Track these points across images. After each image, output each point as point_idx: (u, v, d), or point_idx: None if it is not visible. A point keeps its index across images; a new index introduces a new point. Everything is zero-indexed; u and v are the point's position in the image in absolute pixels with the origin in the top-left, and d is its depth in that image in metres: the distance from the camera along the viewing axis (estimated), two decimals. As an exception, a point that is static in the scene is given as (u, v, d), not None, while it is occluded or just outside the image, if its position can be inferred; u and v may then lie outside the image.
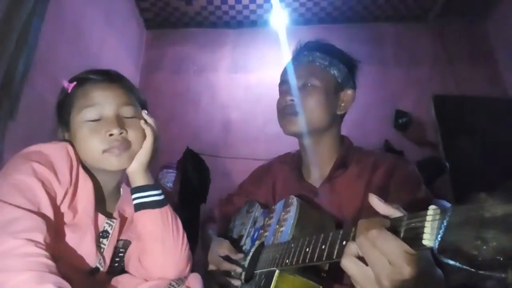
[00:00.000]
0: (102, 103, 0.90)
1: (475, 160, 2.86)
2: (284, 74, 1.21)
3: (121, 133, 0.88)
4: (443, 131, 3.10)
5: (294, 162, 1.24)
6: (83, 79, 0.94)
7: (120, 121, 0.89)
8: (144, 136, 0.94)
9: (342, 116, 1.20)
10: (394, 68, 3.52)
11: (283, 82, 1.19)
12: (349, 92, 1.17)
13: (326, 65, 1.15)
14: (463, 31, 3.57)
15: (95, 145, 0.87)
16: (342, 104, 1.16)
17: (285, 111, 1.14)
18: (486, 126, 2.95)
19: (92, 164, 0.91)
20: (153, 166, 1.00)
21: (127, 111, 0.92)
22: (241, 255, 1.07)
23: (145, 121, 0.95)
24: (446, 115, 3.15)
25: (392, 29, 3.65)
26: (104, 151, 0.87)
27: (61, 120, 0.95)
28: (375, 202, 0.61)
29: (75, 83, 0.94)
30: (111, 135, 0.87)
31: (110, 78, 0.95)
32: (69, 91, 0.93)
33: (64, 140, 0.95)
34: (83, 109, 0.89)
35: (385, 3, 3.46)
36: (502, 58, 3.41)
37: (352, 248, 0.60)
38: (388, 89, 3.44)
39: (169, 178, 2.90)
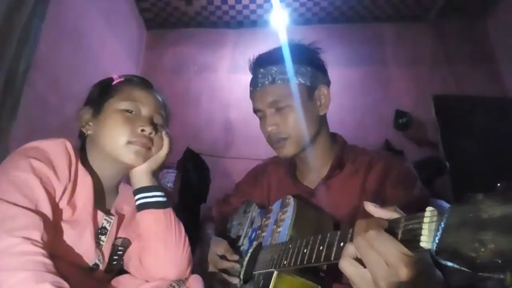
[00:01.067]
0: (143, 102, 0.97)
1: (475, 160, 2.86)
2: (253, 102, 1.15)
3: (151, 133, 0.93)
4: (443, 131, 3.10)
5: (288, 164, 1.23)
6: (129, 80, 1.02)
7: (153, 123, 0.96)
8: (162, 145, 0.99)
9: (325, 114, 1.15)
10: (394, 68, 3.52)
11: (256, 109, 1.13)
12: (322, 88, 1.11)
13: (288, 78, 1.06)
14: (463, 31, 3.57)
15: (123, 133, 0.91)
16: (322, 103, 1.11)
17: (271, 140, 1.10)
18: (486, 126, 2.95)
19: (110, 151, 0.92)
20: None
21: (159, 118, 0.99)
22: (236, 257, 1.07)
23: (167, 133, 1.01)
24: (446, 115, 3.14)
25: (392, 29, 3.65)
26: (128, 142, 0.91)
27: (95, 101, 0.98)
28: (371, 208, 0.61)
29: (123, 79, 1.01)
30: (143, 130, 0.92)
31: (152, 87, 1.04)
32: (114, 83, 1.00)
33: (82, 120, 0.98)
34: (124, 100, 0.95)
35: (385, 3, 3.46)
36: (502, 58, 3.41)
37: (350, 249, 0.60)
38: (388, 89, 3.44)
39: (169, 178, 2.90)
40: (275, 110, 1.07)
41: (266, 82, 1.08)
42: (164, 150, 0.99)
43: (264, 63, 1.10)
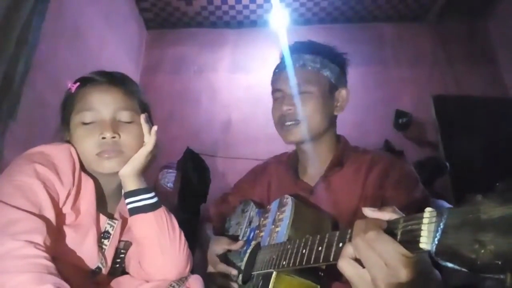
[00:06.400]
0: (98, 107, 0.90)
1: (475, 160, 2.86)
2: (275, 82, 1.17)
3: (113, 137, 0.88)
4: (443, 131, 3.11)
5: (291, 160, 1.23)
6: (85, 80, 0.95)
7: (114, 125, 0.89)
8: (140, 142, 0.93)
9: (336, 116, 1.18)
10: (394, 68, 3.52)
11: (276, 90, 1.16)
12: (343, 91, 1.15)
13: (318, 67, 1.11)
14: (463, 31, 3.57)
15: (89, 147, 0.88)
16: (338, 104, 1.14)
17: (283, 121, 1.11)
18: (486, 126, 2.95)
19: (87, 165, 0.91)
20: (153, 166, 1.00)
21: (124, 115, 0.92)
22: (241, 243, 1.07)
23: (149, 125, 0.94)
24: (446, 115, 3.15)
25: (392, 29, 3.65)
26: (97, 154, 0.88)
27: (63, 120, 0.96)
28: (369, 213, 0.61)
29: (78, 84, 0.95)
30: (103, 138, 0.87)
31: (112, 80, 0.95)
32: (73, 91, 0.94)
33: (65, 140, 0.95)
34: (80, 112, 0.90)
35: (385, 3, 3.46)
36: (502, 58, 3.41)
37: (348, 250, 0.60)
38: (388, 89, 3.44)
39: (169, 178, 2.89)
40: (296, 92, 1.10)
41: (297, 65, 1.11)
42: (148, 146, 0.92)
43: (300, 50, 1.14)
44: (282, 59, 1.17)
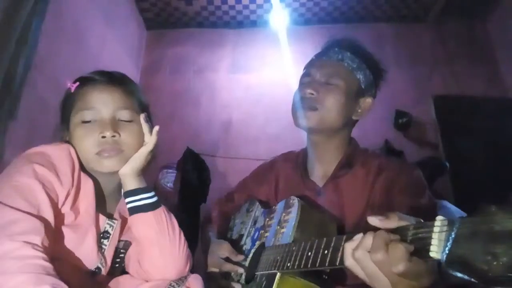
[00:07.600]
0: (98, 106, 0.90)
1: (475, 160, 2.86)
2: (309, 66, 1.20)
3: (113, 136, 0.88)
4: (443, 131, 3.11)
5: (300, 159, 1.23)
6: (85, 80, 0.95)
7: (114, 124, 0.89)
8: (139, 141, 0.93)
9: (356, 121, 1.19)
10: (394, 68, 3.50)
11: (307, 74, 1.18)
12: (369, 100, 1.16)
13: (354, 67, 1.13)
14: (463, 31, 3.57)
15: (88, 146, 0.88)
16: (359, 110, 1.15)
17: (301, 104, 1.12)
18: (486, 126, 2.95)
19: (86, 164, 0.91)
20: (153, 166, 1.00)
21: (124, 114, 0.92)
22: (241, 257, 1.07)
23: (149, 125, 0.94)
24: (446, 115, 3.15)
25: (392, 29, 3.64)
26: (97, 153, 0.88)
27: (63, 119, 0.96)
28: (377, 223, 0.60)
29: (78, 83, 0.95)
30: (103, 137, 0.87)
31: (112, 80, 0.95)
32: (72, 90, 0.94)
33: (64, 139, 0.95)
34: (80, 111, 0.90)
35: (385, 3, 3.45)
36: (502, 58, 3.41)
37: (367, 242, 0.58)
38: (388, 89, 3.41)
39: (169, 178, 2.89)
40: (325, 81, 1.12)
41: (334, 58, 1.15)
42: (148, 146, 0.92)
43: (343, 46, 1.17)
44: (325, 48, 1.21)
